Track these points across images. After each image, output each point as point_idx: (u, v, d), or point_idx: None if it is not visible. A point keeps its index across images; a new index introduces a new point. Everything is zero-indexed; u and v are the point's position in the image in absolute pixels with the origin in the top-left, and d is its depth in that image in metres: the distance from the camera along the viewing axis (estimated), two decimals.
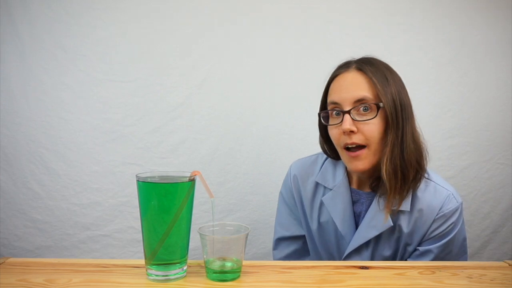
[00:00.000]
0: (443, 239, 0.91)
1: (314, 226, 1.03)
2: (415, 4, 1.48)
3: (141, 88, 1.41)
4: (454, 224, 0.91)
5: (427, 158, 0.91)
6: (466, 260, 0.96)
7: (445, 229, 0.90)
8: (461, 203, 0.93)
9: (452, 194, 0.92)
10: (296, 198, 1.06)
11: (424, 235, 0.91)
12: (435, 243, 0.91)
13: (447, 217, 0.90)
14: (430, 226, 0.90)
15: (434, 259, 0.91)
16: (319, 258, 1.05)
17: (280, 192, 1.12)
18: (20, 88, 1.37)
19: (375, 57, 0.94)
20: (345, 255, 0.96)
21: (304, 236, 1.07)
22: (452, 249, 0.92)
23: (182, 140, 1.43)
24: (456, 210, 0.91)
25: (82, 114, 1.40)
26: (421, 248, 0.92)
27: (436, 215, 0.90)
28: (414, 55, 1.48)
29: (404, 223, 0.91)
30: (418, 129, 0.91)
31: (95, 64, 1.39)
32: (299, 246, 1.08)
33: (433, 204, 0.90)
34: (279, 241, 1.09)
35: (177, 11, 1.42)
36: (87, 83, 1.39)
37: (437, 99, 1.50)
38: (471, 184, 1.51)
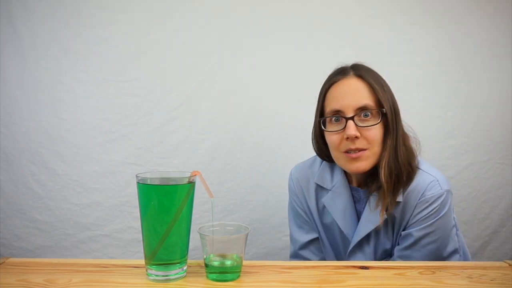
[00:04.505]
0: (422, 224, 0.90)
1: (321, 227, 1.04)
2: (415, 5, 1.48)
3: (141, 88, 1.41)
4: (437, 210, 0.90)
5: (418, 157, 0.93)
6: (457, 260, 0.94)
7: (426, 214, 0.90)
8: (447, 191, 0.91)
9: (437, 180, 0.91)
10: (302, 200, 1.07)
11: (408, 220, 0.92)
12: (415, 227, 0.91)
13: (429, 202, 0.90)
14: (413, 210, 0.91)
15: (414, 244, 0.90)
16: (330, 258, 1.05)
17: (289, 202, 1.12)
18: (20, 88, 1.37)
19: (363, 63, 0.96)
20: (348, 252, 0.98)
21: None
22: (436, 240, 0.91)
23: (182, 140, 1.43)
24: (440, 196, 0.90)
25: (81, 114, 1.39)
26: (403, 232, 0.93)
27: (418, 199, 0.90)
28: (414, 55, 1.47)
29: (397, 211, 0.92)
30: (407, 131, 0.94)
31: (95, 64, 1.39)
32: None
33: (417, 189, 0.91)
34: (299, 250, 1.07)
35: (177, 12, 1.42)
36: (87, 83, 1.39)
37: (437, 99, 1.49)
38: (471, 184, 1.51)
